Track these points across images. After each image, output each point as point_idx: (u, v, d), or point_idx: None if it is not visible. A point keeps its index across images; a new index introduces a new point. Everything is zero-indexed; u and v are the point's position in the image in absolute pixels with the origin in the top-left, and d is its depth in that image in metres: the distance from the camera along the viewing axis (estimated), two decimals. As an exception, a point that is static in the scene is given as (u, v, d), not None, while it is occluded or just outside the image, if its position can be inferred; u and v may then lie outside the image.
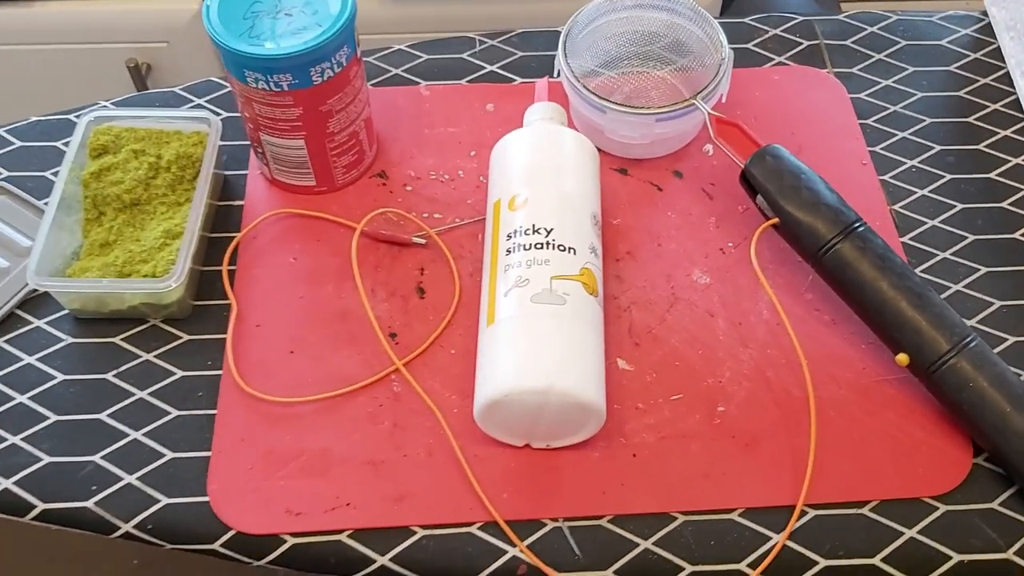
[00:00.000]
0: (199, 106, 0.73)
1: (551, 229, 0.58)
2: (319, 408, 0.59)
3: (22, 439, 0.58)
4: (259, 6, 0.60)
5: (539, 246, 0.57)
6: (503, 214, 0.60)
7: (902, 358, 0.57)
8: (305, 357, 0.61)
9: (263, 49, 0.58)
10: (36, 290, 0.63)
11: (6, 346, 0.61)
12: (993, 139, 0.72)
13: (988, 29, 0.79)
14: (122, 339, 0.62)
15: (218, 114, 0.72)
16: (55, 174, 0.69)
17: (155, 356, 0.61)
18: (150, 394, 0.59)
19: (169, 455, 0.57)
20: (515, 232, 0.58)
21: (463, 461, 0.56)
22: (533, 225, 0.58)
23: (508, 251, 0.58)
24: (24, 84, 1.16)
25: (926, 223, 0.68)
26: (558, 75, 0.70)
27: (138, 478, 0.56)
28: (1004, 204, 0.69)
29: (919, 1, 1.52)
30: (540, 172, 0.62)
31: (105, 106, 0.72)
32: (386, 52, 0.77)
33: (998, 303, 0.64)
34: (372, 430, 0.58)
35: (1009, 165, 0.71)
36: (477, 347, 0.58)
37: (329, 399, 0.59)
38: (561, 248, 0.57)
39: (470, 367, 0.59)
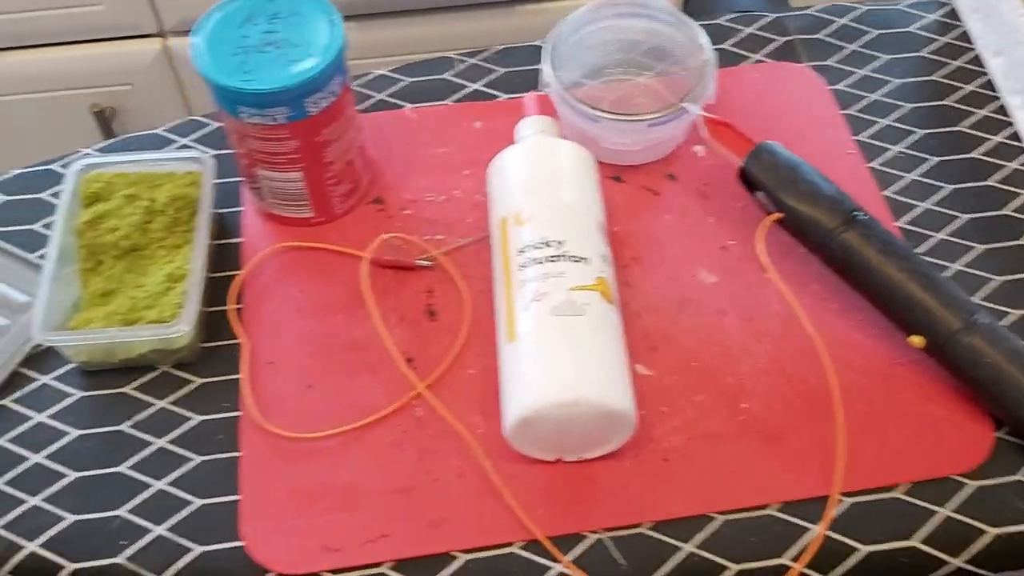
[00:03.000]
0: (185, 146, 0.72)
1: (562, 241, 0.58)
2: (343, 440, 0.58)
3: (43, 499, 0.56)
4: (247, 41, 0.60)
5: (553, 259, 0.57)
6: (511, 230, 0.60)
7: (916, 340, 0.58)
8: (323, 390, 0.60)
9: (257, 84, 0.57)
10: (37, 346, 0.62)
11: (15, 406, 0.60)
12: (972, 119, 0.74)
13: (953, 13, 0.81)
14: (133, 388, 0.61)
15: (207, 151, 0.71)
16: (44, 226, 0.68)
17: (169, 403, 0.60)
18: (169, 442, 0.58)
19: (197, 502, 0.56)
20: (527, 247, 0.58)
21: (496, 480, 0.56)
22: (544, 239, 0.58)
23: (522, 266, 0.58)
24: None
25: (918, 206, 0.69)
26: (544, 88, 0.70)
27: (168, 528, 0.55)
28: (991, 182, 0.70)
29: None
30: (543, 186, 0.62)
31: (88, 153, 0.71)
32: (368, 78, 0.76)
33: (997, 279, 0.65)
34: (399, 457, 0.57)
35: (991, 144, 0.72)
36: (499, 365, 0.57)
37: (352, 431, 0.58)
38: (574, 259, 0.57)
39: (490, 386, 0.59)
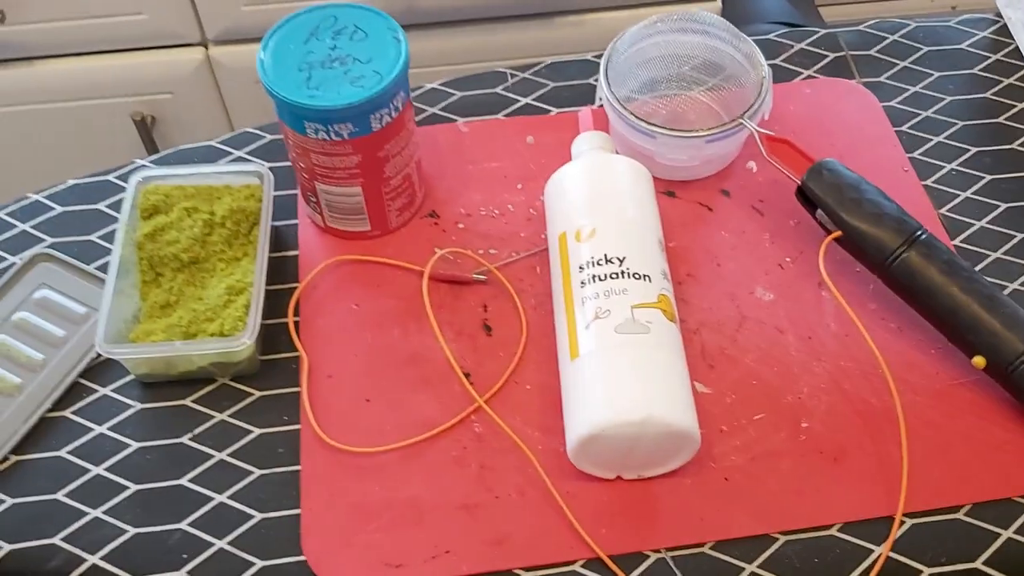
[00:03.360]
0: (240, 158, 0.72)
1: (624, 258, 0.58)
2: (403, 455, 0.58)
3: (104, 512, 0.56)
4: (312, 57, 0.60)
5: (615, 275, 0.57)
6: (571, 246, 0.60)
7: (979, 360, 0.58)
8: (382, 404, 0.60)
9: (324, 100, 0.58)
10: (97, 357, 0.62)
11: (75, 417, 0.60)
12: (1026, 137, 0.74)
13: (1004, 30, 0.81)
14: (193, 401, 0.61)
15: (265, 162, 0.72)
16: (101, 237, 0.68)
17: (229, 415, 0.60)
18: (229, 455, 0.59)
19: (258, 516, 0.56)
20: (587, 263, 0.58)
21: (559, 498, 0.56)
22: (605, 255, 0.58)
23: (582, 283, 0.58)
24: (28, 143, 1.14)
25: (974, 224, 0.69)
26: (599, 103, 0.70)
27: (229, 542, 0.55)
28: (1047, 200, 0.70)
29: (893, 2, 1.55)
30: (602, 202, 0.62)
31: (145, 165, 0.71)
32: (421, 91, 0.77)
33: (1056, 298, 0.65)
34: (460, 473, 0.57)
35: (1046, 162, 0.72)
36: (561, 383, 0.57)
37: (412, 445, 0.58)
38: (636, 276, 0.57)
39: (548, 401, 0.59)
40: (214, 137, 0.73)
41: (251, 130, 0.74)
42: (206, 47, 1.09)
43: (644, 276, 0.57)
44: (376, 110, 0.59)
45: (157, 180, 0.66)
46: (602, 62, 0.70)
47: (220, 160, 0.73)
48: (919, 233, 0.60)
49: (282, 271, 0.67)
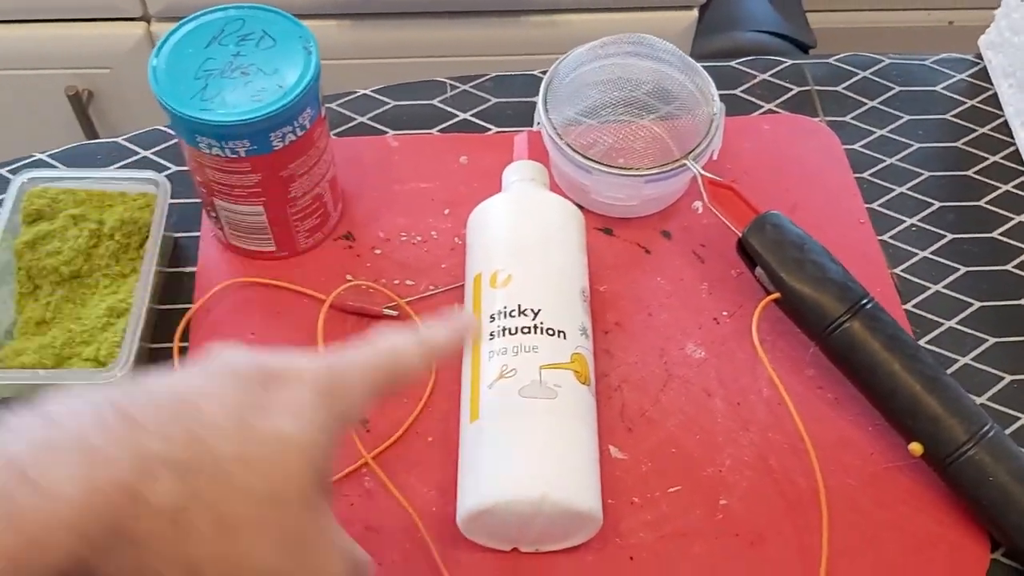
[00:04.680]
0: (145, 159, 0.67)
1: (538, 311, 0.53)
2: (283, 510, 0.53)
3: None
4: (212, 64, 0.54)
5: (526, 330, 0.52)
6: (484, 291, 0.55)
7: (916, 447, 0.53)
8: (267, 450, 0.55)
9: (217, 114, 0.52)
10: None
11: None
12: (994, 194, 0.69)
13: (983, 74, 0.76)
14: (61, 431, 0.55)
15: (166, 168, 0.66)
16: (-16, 238, 0.62)
17: (98, 450, 0.55)
18: (93, 496, 0.53)
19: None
20: (498, 314, 0.53)
21: (444, 572, 0.51)
22: (519, 306, 0.53)
23: (491, 335, 0.53)
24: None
25: (929, 288, 0.64)
26: (538, 125, 0.65)
27: None
28: (1009, 267, 0.65)
29: (885, 12, 1.50)
30: (525, 245, 0.57)
31: (40, 159, 0.66)
32: (350, 98, 0.71)
33: (1008, 377, 0.60)
34: (343, 534, 0.52)
35: (1012, 223, 0.67)
36: (459, 442, 0.52)
37: (294, 499, 0.53)
38: (550, 332, 0.52)
39: (450, 458, 0.54)
40: (154, 118, 0.67)
41: (163, 128, 0.68)
42: (148, 22, 1.03)
43: (559, 332, 0.52)
44: (277, 128, 0.53)
45: (45, 182, 0.60)
46: (542, 84, 0.64)
47: (128, 159, 0.67)
48: (864, 302, 0.55)
49: (178, 288, 0.61)
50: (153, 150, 0.67)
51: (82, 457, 0.28)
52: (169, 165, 0.67)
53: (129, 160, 0.67)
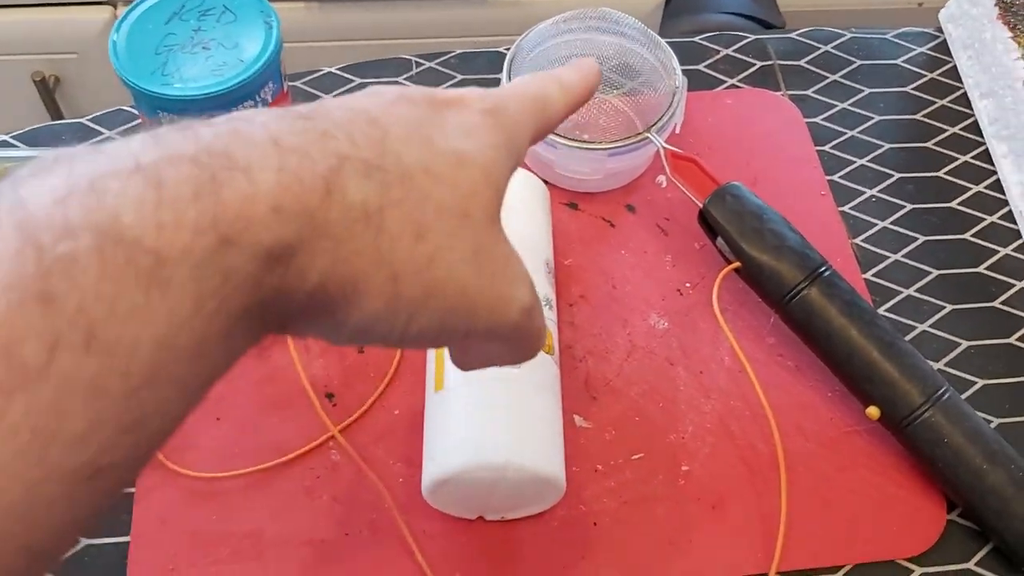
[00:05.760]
0: (109, 139, 0.66)
1: (501, 282, 0.53)
2: (250, 482, 0.54)
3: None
4: (173, 39, 0.54)
5: (488, 301, 0.52)
6: (448, 264, 0.55)
7: (873, 412, 0.54)
8: (233, 424, 0.55)
9: (176, 89, 0.52)
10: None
11: None
12: (953, 165, 0.70)
13: (944, 47, 0.77)
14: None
15: (132, 148, 0.66)
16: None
17: (65, 427, 0.55)
18: (60, 472, 0.54)
19: (82, 541, 0.52)
20: (462, 285, 0.54)
21: (410, 539, 0.51)
22: (481, 278, 0.53)
23: (455, 306, 0.53)
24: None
25: (889, 257, 0.65)
26: (502, 103, 0.65)
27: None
28: (967, 236, 0.66)
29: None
30: (487, 216, 0.57)
31: (6, 140, 0.65)
32: (315, 76, 0.71)
33: (965, 343, 0.61)
34: (309, 506, 0.53)
35: (970, 193, 0.68)
36: (425, 414, 0.53)
37: (261, 472, 0.54)
38: (512, 303, 0.53)
39: (417, 430, 0.55)
40: (122, 103, 0.67)
41: (127, 108, 0.68)
42: (115, 6, 1.02)
43: (521, 302, 0.53)
44: (237, 102, 0.54)
45: (6, 162, 0.60)
46: (506, 60, 0.65)
47: (91, 140, 0.67)
48: (822, 270, 0.56)
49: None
50: (118, 130, 0.68)
51: (276, 150, 0.27)
52: (134, 145, 0.67)
53: (94, 140, 0.67)
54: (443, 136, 0.32)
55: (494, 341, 0.34)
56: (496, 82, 0.71)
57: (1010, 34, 0.70)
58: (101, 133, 0.67)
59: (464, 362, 0.37)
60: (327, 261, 0.28)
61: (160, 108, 0.53)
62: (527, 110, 0.36)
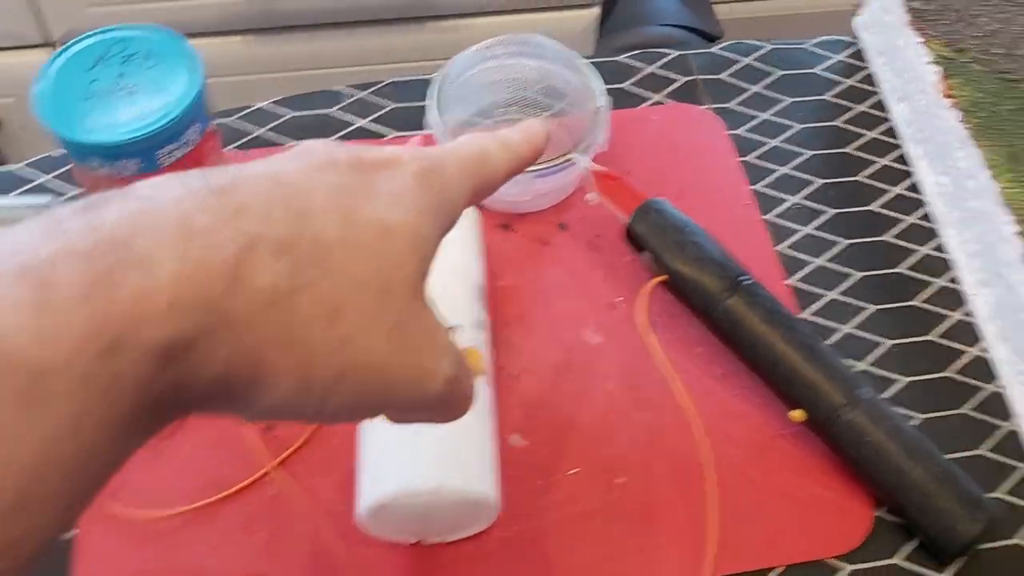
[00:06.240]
0: (42, 187, 0.67)
1: (430, 308, 0.54)
2: (190, 519, 0.54)
3: None
4: (97, 85, 0.55)
5: (418, 328, 0.54)
6: (379, 293, 0.56)
7: (796, 415, 0.56)
8: (171, 460, 0.56)
9: (101, 136, 0.53)
10: None
11: None
12: (872, 169, 0.72)
13: (860, 54, 0.79)
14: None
15: (67, 193, 0.67)
16: None
17: None
18: None
19: (26, 589, 0.52)
20: (392, 313, 0.55)
21: (349, 570, 0.52)
22: (410, 305, 0.55)
23: (386, 335, 0.54)
24: None
25: (812, 262, 0.67)
26: (428, 130, 0.66)
27: (-9, 619, 0.51)
28: (886, 237, 0.68)
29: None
30: (415, 244, 0.58)
31: (-66, 192, 0.66)
32: (247, 112, 0.72)
33: (888, 342, 0.63)
34: (246, 542, 0.54)
35: (890, 196, 0.70)
36: (356, 442, 0.54)
37: (198, 509, 0.54)
38: (442, 328, 0.54)
39: (353, 459, 0.56)
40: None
41: (55, 155, 0.69)
42: (53, 47, 1.03)
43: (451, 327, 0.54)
44: (163, 145, 0.55)
45: (-62, 213, 0.61)
46: (432, 87, 0.66)
47: (24, 187, 0.67)
48: (742, 279, 0.58)
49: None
50: (52, 175, 0.68)
51: (183, 233, 0.26)
52: (70, 189, 0.67)
53: (27, 187, 0.67)
54: (369, 205, 0.31)
55: (417, 411, 0.35)
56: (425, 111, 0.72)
57: (921, 39, 0.73)
58: (33, 179, 0.68)
59: (393, 421, 0.37)
60: (230, 350, 0.27)
61: (88, 154, 0.54)
62: (465, 170, 0.36)
